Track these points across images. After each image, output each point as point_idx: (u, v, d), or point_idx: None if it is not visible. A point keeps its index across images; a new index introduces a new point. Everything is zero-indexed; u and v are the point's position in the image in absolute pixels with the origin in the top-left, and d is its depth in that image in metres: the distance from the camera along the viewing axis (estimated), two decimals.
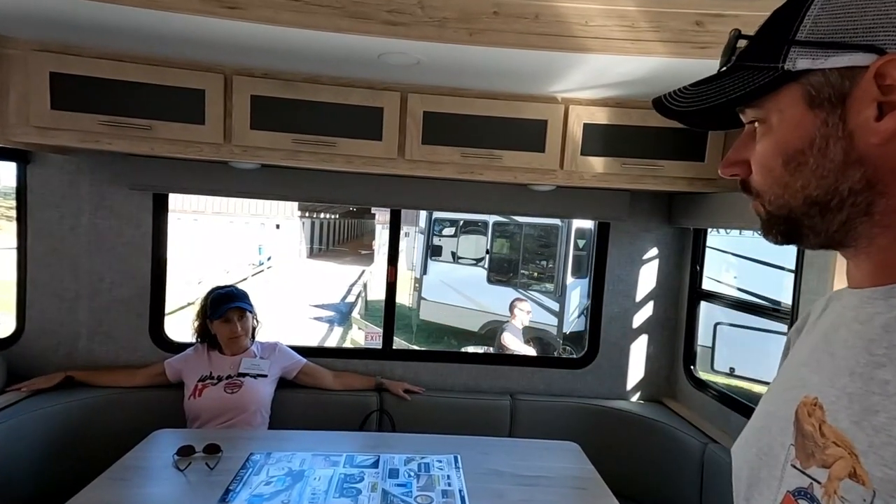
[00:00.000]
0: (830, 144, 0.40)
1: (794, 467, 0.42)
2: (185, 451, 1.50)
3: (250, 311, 2.02)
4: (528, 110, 1.79)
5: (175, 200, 2.30)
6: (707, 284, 2.27)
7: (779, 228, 0.46)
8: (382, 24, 1.34)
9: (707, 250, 2.24)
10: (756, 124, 0.46)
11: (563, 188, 2.02)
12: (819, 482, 0.39)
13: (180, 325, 2.13)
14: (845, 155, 0.40)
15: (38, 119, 1.61)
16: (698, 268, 2.19)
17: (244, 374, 1.93)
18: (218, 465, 1.48)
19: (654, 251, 2.28)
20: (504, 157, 1.81)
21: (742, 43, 0.46)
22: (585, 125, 1.80)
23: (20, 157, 1.95)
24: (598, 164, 1.83)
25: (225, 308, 1.95)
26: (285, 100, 1.72)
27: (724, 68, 0.46)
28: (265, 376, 1.95)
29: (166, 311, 2.25)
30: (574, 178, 1.85)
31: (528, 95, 1.80)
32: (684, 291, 2.24)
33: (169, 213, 2.17)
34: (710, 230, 2.20)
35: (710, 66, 1.52)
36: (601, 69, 1.52)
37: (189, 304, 11.67)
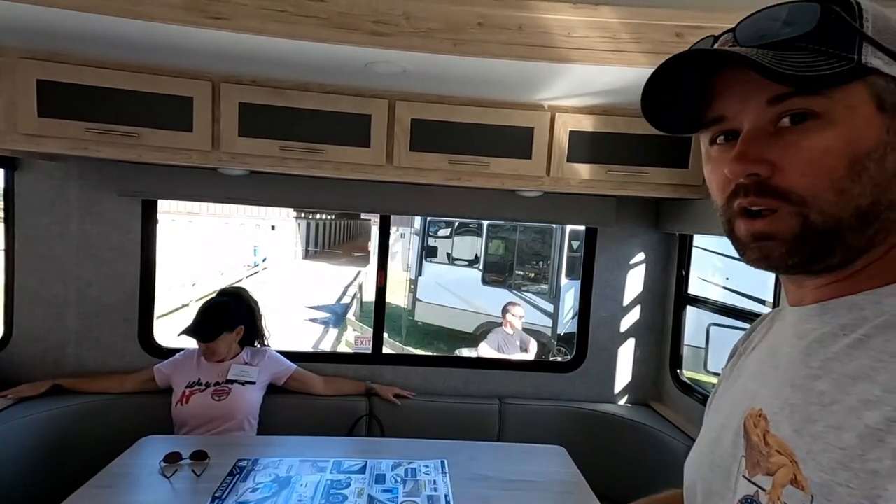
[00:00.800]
0: (888, 153, 0.39)
1: (744, 477, 0.44)
2: (172, 458, 1.51)
3: (226, 333, 1.94)
4: (514, 118, 1.81)
5: (169, 202, 2.30)
6: (697, 285, 2.30)
7: (811, 248, 0.40)
8: (368, 34, 1.35)
9: (696, 251, 2.26)
10: (790, 117, 0.40)
11: (550, 194, 2.03)
12: (764, 489, 0.41)
13: (174, 328, 2.12)
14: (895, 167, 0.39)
15: (26, 126, 1.61)
16: (684, 273, 2.21)
17: (232, 381, 1.93)
18: (205, 472, 1.49)
19: (640, 256, 2.30)
20: (491, 164, 1.82)
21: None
22: (571, 132, 1.82)
23: (8, 163, 1.95)
24: (584, 170, 1.85)
25: (188, 330, 1.91)
26: (273, 107, 1.73)
27: (786, 40, 0.39)
28: (253, 383, 1.96)
29: (159, 314, 2.25)
30: (561, 185, 1.87)
31: (514, 103, 1.81)
32: (671, 296, 2.26)
33: (163, 215, 2.18)
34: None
35: None
36: (585, 79, 1.54)
37: (184, 307, 11.66)
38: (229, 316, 1.98)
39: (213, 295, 2.11)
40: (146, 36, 1.40)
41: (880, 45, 0.38)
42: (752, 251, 0.43)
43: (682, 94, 0.44)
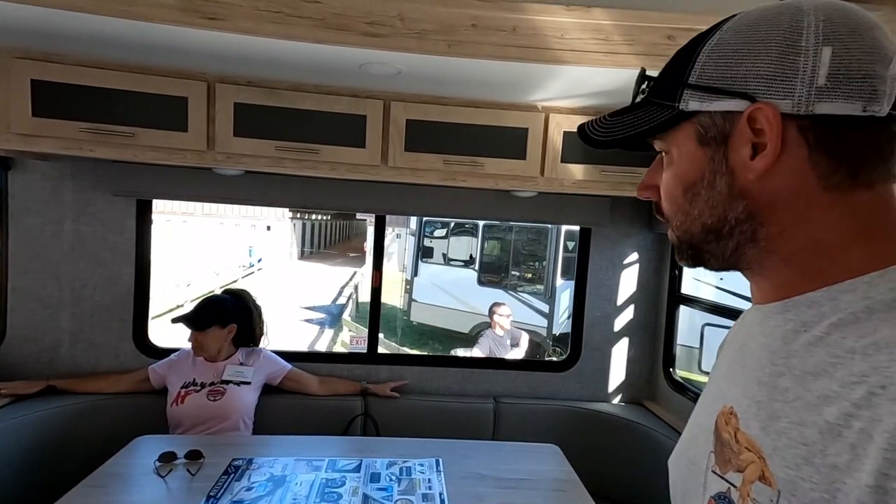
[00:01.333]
0: (717, 179, 0.45)
1: (715, 473, 0.46)
2: (167, 458, 1.51)
3: (216, 328, 1.95)
4: (509, 118, 1.82)
5: (164, 202, 2.29)
6: (691, 285, 2.32)
7: (687, 253, 0.50)
8: (362, 35, 1.36)
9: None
10: (664, 154, 0.50)
11: (545, 194, 2.05)
12: (735, 486, 0.43)
13: (168, 329, 2.12)
14: (729, 188, 0.45)
15: (20, 126, 1.61)
16: (677, 273, 2.23)
17: (227, 382, 1.93)
18: (200, 471, 1.49)
19: (634, 256, 2.32)
20: (486, 165, 1.83)
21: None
22: (565, 133, 1.84)
23: (1, 163, 1.95)
24: (578, 171, 1.86)
25: (184, 320, 1.94)
26: (269, 107, 1.73)
27: (636, 101, 0.51)
28: (248, 383, 1.96)
29: (154, 314, 2.25)
30: (555, 185, 1.88)
31: (508, 104, 1.82)
32: (664, 296, 2.28)
33: (157, 215, 2.18)
34: None
35: None
36: (578, 80, 1.55)
37: (178, 307, 11.62)
38: (224, 312, 1.99)
39: (220, 291, 2.12)
40: (141, 36, 1.40)
41: (700, 87, 0.44)
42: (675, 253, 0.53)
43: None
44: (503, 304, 4.91)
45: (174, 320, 1.97)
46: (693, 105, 0.45)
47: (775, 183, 0.43)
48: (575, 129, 1.89)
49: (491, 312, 4.76)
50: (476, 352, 4.60)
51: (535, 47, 1.38)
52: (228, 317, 1.99)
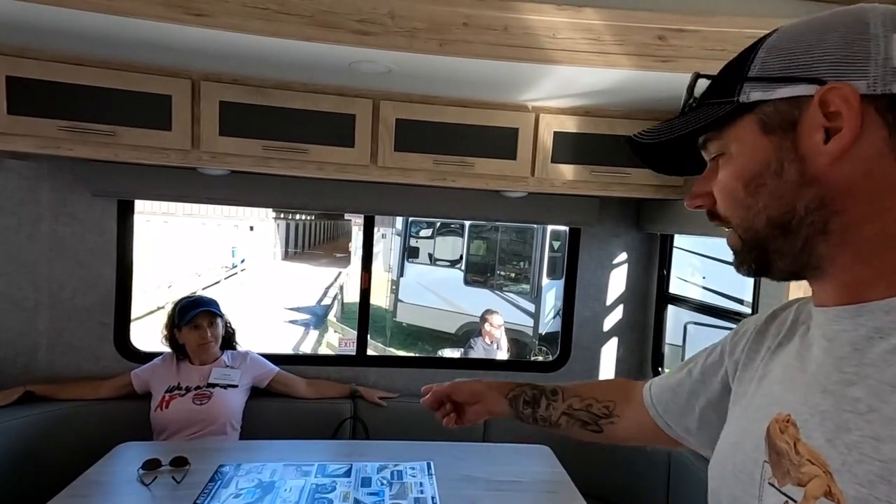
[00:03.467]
0: (786, 166, 0.43)
1: (772, 485, 0.43)
2: (151, 465, 1.47)
3: (220, 317, 1.98)
4: (499, 118, 1.81)
5: (145, 202, 2.23)
6: (677, 285, 2.34)
7: (751, 256, 0.47)
8: (352, 33, 1.34)
9: (677, 252, 2.30)
10: (717, 158, 0.49)
11: (534, 195, 2.04)
12: (795, 500, 0.40)
13: (149, 331, 2.07)
14: (800, 175, 0.42)
15: None
16: (665, 272, 2.25)
17: (214, 385, 1.89)
18: (185, 478, 1.45)
19: (623, 256, 2.33)
20: (476, 165, 1.82)
21: (701, 85, 0.50)
22: (555, 133, 1.83)
23: None
24: (568, 171, 1.86)
25: (193, 313, 1.91)
26: (255, 106, 1.70)
27: (688, 108, 0.50)
28: (235, 386, 1.92)
29: (134, 316, 2.19)
30: (545, 185, 1.88)
31: (499, 104, 1.82)
32: (652, 295, 2.29)
33: (137, 216, 2.12)
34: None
35: (671, 78, 1.55)
36: (569, 80, 1.55)
37: (159, 308, 11.40)
38: (218, 307, 1.99)
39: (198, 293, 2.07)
40: (122, 31, 1.36)
41: (762, 78, 0.44)
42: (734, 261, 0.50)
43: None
44: (496, 312, 4.76)
45: (202, 315, 1.92)
46: (755, 95, 0.44)
47: (851, 167, 0.40)
48: (565, 129, 1.89)
49: (483, 320, 4.61)
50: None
51: (526, 47, 1.38)
52: (221, 312, 2.01)
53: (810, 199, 0.42)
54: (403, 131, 1.78)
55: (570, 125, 1.83)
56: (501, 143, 1.82)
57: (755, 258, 0.47)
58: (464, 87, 1.68)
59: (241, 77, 1.69)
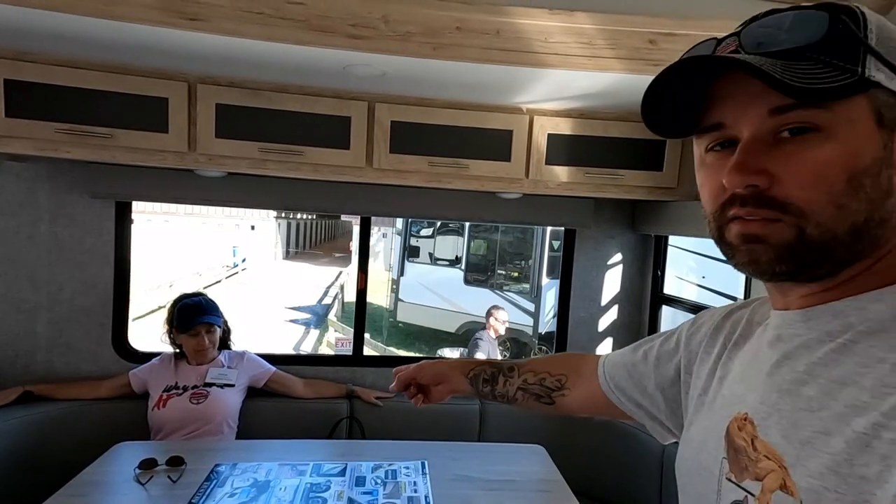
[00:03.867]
0: (883, 170, 0.39)
1: (730, 480, 0.44)
2: (147, 465, 1.48)
3: (218, 325, 1.99)
4: (493, 120, 1.82)
5: (145, 202, 2.25)
6: (674, 284, 2.35)
7: (801, 258, 0.40)
8: (346, 37, 1.35)
9: (675, 251, 2.32)
10: (806, 133, 0.39)
11: (529, 196, 2.06)
12: (753, 494, 0.42)
13: (151, 330, 2.09)
14: (889, 184, 0.39)
15: None
16: (659, 273, 2.26)
17: (211, 384, 1.91)
18: (181, 477, 1.47)
19: (618, 257, 2.34)
20: (471, 166, 1.84)
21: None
22: (549, 135, 1.85)
23: None
24: (562, 172, 1.87)
25: (193, 323, 1.91)
26: (251, 108, 1.71)
27: (791, 48, 0.39)
28: (232, 386, 1.93)
29: (135, 316, 2.21)
30: (539, 187, 1.89)
31: (493, 106, 1.83)
32: (647, 295, 2.31)
33: (138, 215, 2.14)
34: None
35: None
36: (562, 83, 1.56)
37: (160, 308, 11.42)
38: (219, 310, 2.00)
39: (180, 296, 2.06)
40: (120, 36, 1.37)
41: (883, 58, 0.38)
42: (742, 254, 0.42)
43: (682, 97, 0.44)
44: (502, 308, 4.92)
45: (201, 325, 1.92)
46: (879, 76, 0.37)
47: None
48: (559, 131, 1.89)
49: (489, 314, 4.77)
50: (479, 356, 4.60)
51: (519, 50, 1.39)
52: (221, 314, 2.01)
53: (887, 212, 0.39)
54: (398, 133, 1.79)
55: (564, 127, 1.84)
56: (496, 144, 1.84)
57: (804, 261, 0.40)
58: (458, 89, 1.69)
59: (237, 80, 1.70)
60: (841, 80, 0.37)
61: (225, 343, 2.07)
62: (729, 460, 0.45)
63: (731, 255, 0.43)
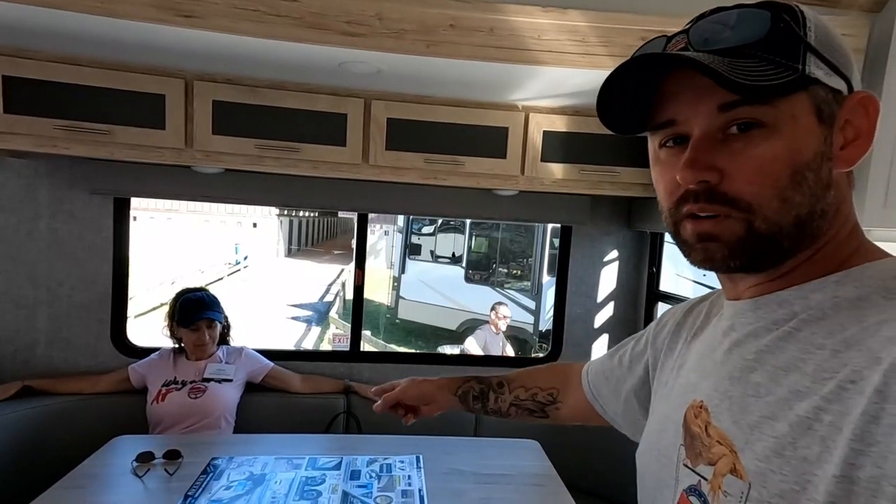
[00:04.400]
0: (823, 164, 0.40)
1: (686, 466, 0.46)
2: (145, 458, 1.50)
3: (219, 321, 2.00)
4: (489, 118, 1.83)
5: (147, 199, 2.27)
6: (671, 280, 2.36)
7: (752, 251, 0.42)
8: (341, 34, 1.36)
9: (671, 247, 2.32)
10: (751, 129, 0.40)
11: (526, 193, 2.07)
12: (706, 479, 0.43)
13: (152, 326, 2.10)
14: (828, 176, 0.41)
15: None
16: (655, 270, 2.26)
17: (209, 379, 1.93)
18: (178, 471, 1.48)
19: (614, 253, 2.35)
20: (467, 163, 1.85)
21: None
22: (545, 132, 1.85)
23: None
24: (557, 170, 1.88)
25: (195, 318, 1.93)
26: (248, 105, 1.72)
27: (726, 45, 0.40)
28: (230, 381, 1.95)
29: (137, 312, 2.24)
30: (535, 184, 1.90)
31: (489, 103, 1.84)
32: (642, 292, 2.31)
33: (141, 213, 2.17)
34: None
35: None
36: (556, 80, 1.57)
37: (162, 305, 11.47)
38: (220, 304, 2.01)
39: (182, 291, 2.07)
40: (116, 33, 1.38)
41: (821, 56, 0.39)
42: (697, 252, 0.44)
43: (634, 95, 0.45)
44: (505, 304, 5.04)
45: (200, 321, 1.94)
46: (817, 73, 0.39)
47: (845, 179, 0.41)
48: (554, 129, 1.90)
49: (493, 310, 4.88)
50: (471, 341, 4.69)
51: (512, 48, 1.40)
52: (221, 312, 2.03)
53: (827, 204, 0.41)
54: (395, 130, 1.80)
55: (559, 124, 1.85)
56: (492, 142, 1.84)
57: (754, 254, 0.42)
58: (453, 87, 1.70)
59: (234, 77, 1.71)
60: (784, 76, 0.38)
61: (224, 339, 2.09)
62: (685, 446, 0.47)
63: (688, 252, 0.45)
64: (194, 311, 1.94)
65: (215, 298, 2.03)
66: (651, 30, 1.34)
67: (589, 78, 1.52)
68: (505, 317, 4.79)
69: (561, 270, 2.38)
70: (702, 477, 0.44)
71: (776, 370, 0.41)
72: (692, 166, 0.41)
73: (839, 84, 0.40)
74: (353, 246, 2.33)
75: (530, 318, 7.60)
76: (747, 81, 0.37)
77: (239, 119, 1.72)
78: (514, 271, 8.33)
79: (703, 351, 0.52)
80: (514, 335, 7.41)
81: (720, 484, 0.41)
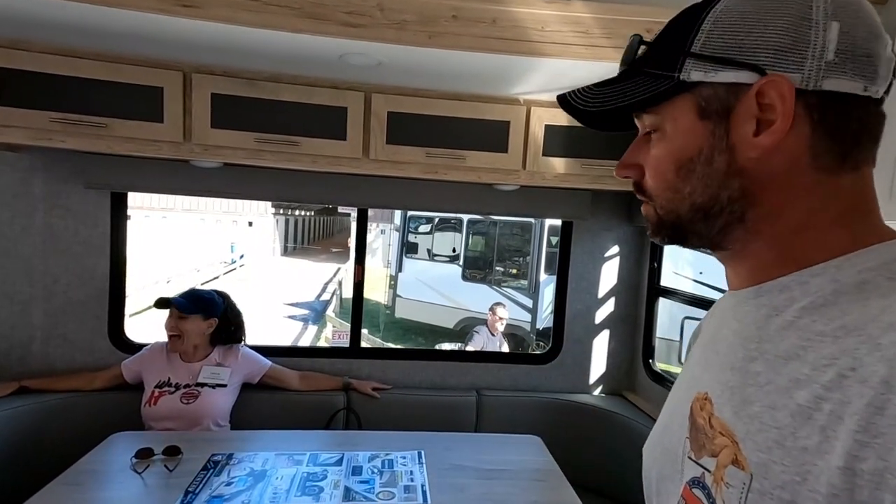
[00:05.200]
0: (715, 155, 0.43)
1: (690, 459, 0.45)
2: (144, 454, 1.48)
3: (200, 318, 1.92)
4: (490, 111, 1.82)
5: (142, 197, 2.24)
6: (671, 279, 2.35)
7: (666, 232, 0.48)
8: (341, 25, 1.34)
9: (670, 246, 2.31)
10: (652, 132, 0.47)
11: (527, 188, 2.06)
12: (709, 470, 0.42)
13: (148, 325, 2.08)
14: (728, 166, 0.43)
15: None
16: (656, 265, 2.26)
17: (203, 384, 1.89)
18: (178, 467, 1.47)
19: (615, 249, 2.35)
20: (468, 158, 1.83)
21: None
22: (547, 126, 1.84)
23: None
24: (559, 164, 1.87)
25: (171, 301, 1.91)
26: (247, 98, 1.71)
27: (625, 71, 0.48)
28: (224, 386, 1.91)
29: (132, 311, 2.20)
30: (536, 179, 1.89)
31: (490, 97, 1.82)
32: (643, 288, 2.31)
33: (136, 211, 2.14)
34: None
35: None
36: (558, 73, 1.55)
37: None
38: (211, 303, 1.97)
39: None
40: (114, 24, 1.36)
41: (707, 57, 0.42)
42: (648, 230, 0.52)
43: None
44: (503, 305, 5.01)
45: (158, 302, 1.93)
46: (696, 76, 0.42)
47: (774, 161, 0.41)
48: (556, 123, 1.88)
49: (491, 311, 4.85)
50: (470, 348, 4.65)
51: (515, 39, 1.38)
52: (213, 309, 1.96)
53: (734, 190, 0.43)
54: (395, 124, 1.79)
55: (561, 118, 1.84)
56: (493, 136, 1.83)
57: (670, 234, 0.48)
58: (455, 80, 1.69)
59: (233, 69, 1.69)
60: (658, 87, 0.44)
61: (231, 337, 2.03)
62: (690, 439, 0.46)
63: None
64: (180, 296, 1.92)
65: (211, 299, 1.97)
66: (655, 21, 1.33)
67: (591, 70, 1.51)
68: (502, 318, 4.78)
69: (562, 266, 2.37)
70: (705, 469, 0.43)
71: (776, 359, 0.40)
72: (620, 164, 0.50)
73: (738, 77, 0.41)
74: (351, 244, 2.30)
75: (528, 317, 7.61)
76: (631, 101, 0.45)
77: (238, 112, 1.70)
78: (512, 269, 8.32)
79: (706, 343, 0.52)
80: (511, 333, 7.41)
81: (723, 475, 0.41)
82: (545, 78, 1.61)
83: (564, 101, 0.50)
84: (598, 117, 0.50)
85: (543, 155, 1.86)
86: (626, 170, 0.50)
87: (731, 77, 0.41)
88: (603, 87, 0.48)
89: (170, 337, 1.92)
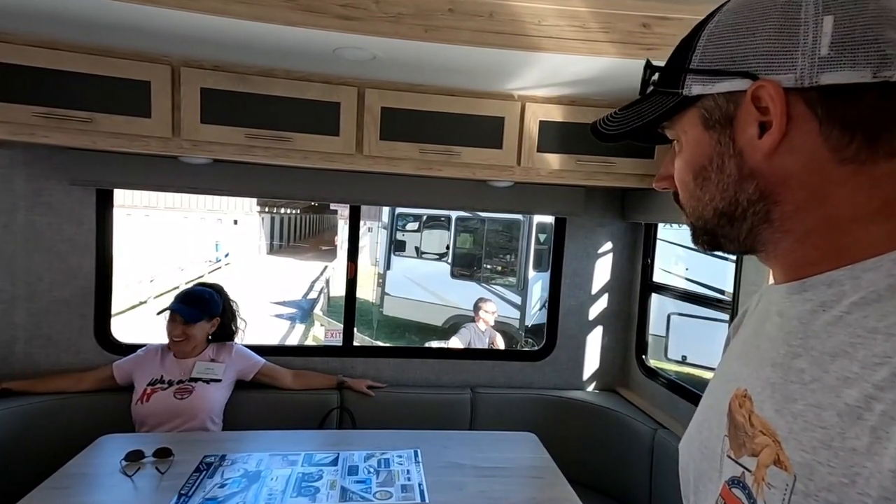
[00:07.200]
0: (726, 161, 0.45)
1: (730, 457, 0.44)
2: (134, 457, 1.45)
3: (205, 321, 1.92)
4: (485, 107, 1.81)
5: (124, 195, 2.19)
6: (659, 276, 2.37)
7: (703, 238, 0.49)
8: (336, 18, 1.32)
9: (660, 243, 2.33)
10: (675, 143, 0.50)
11: (520, 184, 2.05)
12: (750, 470, 0.41)
13: (131, 325, 2.04)
14: (739, 170, 0.44)
15: None
16: (649, 261, 2.27)
17: (196, 379, 1.86)
18: (169, 469, 1.44)
19: (608, 245, 2.35)
20: (462, 154, 1.82)
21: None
22: (541, 122, 1.84)
23: None
24: (553, 160, 1.87)
25: (173, 306, 1.89)
26: (238, 93, 1.67)
27: (647, 92, 0.51)
28: (219, 381, 1.89)
29: (115, 310, 2.15)
30: (531, 175, 1.88)
31: (485, 92, 1.81)
32: (637, 284, 2.32)
33: (118, 209, 2.08)
34: (661, 225, 2.29)
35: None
36: (555, 68, 1.55)
37: (141, 303, 11.20)
38: (212, 304, 1.95)
39: (193, 284, 2.04)
40: (100, 14, 1.32)
41: (701, 71, 0.44)
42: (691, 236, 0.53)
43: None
44: (490, 300, 4.96)
45: (162, 312, 1.90)
46: (696, 89, 0.45)
47: (786, 160, 0.42)
48: (551, 119, 1.88)
49: (476, 307, 4.80)
50: (455, 341, 4.62)
51: (512, 33, 1.37)
52: (215, 308, 1.95)
53: (751, 192, 0.44)
54: (389, 120, 1.77)
55: (555, 114, 1.84)
56: (487, 131, 1.82)
57: (706, 240, 0.49)
58: (449, 75, 1.67)
59: (223, 63, 1.66)
60: (666, 104, 0.47)
61: (227, 337, 2.02)
62: (729, 437, 0.45)
63: None
64: (179, 301, 1.89)
65: (210, 298, 1.95)
66: (652, 16, 1.34)
67: (588, 66, 1.51)
68: (492, 312, 4.74)
69: (555, 263, 2.37)
70: (745, 469, 0.42)
71: (823, 355, 0.39)
72: (656, 177, 0.53)
73: (733, 85, 0.42)
74: (338, 242, 2.28)
75: (516, 314, 7.63)
76: (647, 119, 0.48)
77: (228, 107, 1.66)
78: (500, 267, 8.33)
79: (746, 338, 0.51)
80: (500, 330, 7.43)
81: (764, 475, 0.39)
82: (541, 73, 1.61)
83: (595, 131, 0.54)
84: (623, 138, 0.53)
85: (538, 151, 1.86)
86: (661, 182, 0.52)
87: (727, 86, 0.43)
88: (625, 110, 0.51)
89: (175, 342, 1.89)
